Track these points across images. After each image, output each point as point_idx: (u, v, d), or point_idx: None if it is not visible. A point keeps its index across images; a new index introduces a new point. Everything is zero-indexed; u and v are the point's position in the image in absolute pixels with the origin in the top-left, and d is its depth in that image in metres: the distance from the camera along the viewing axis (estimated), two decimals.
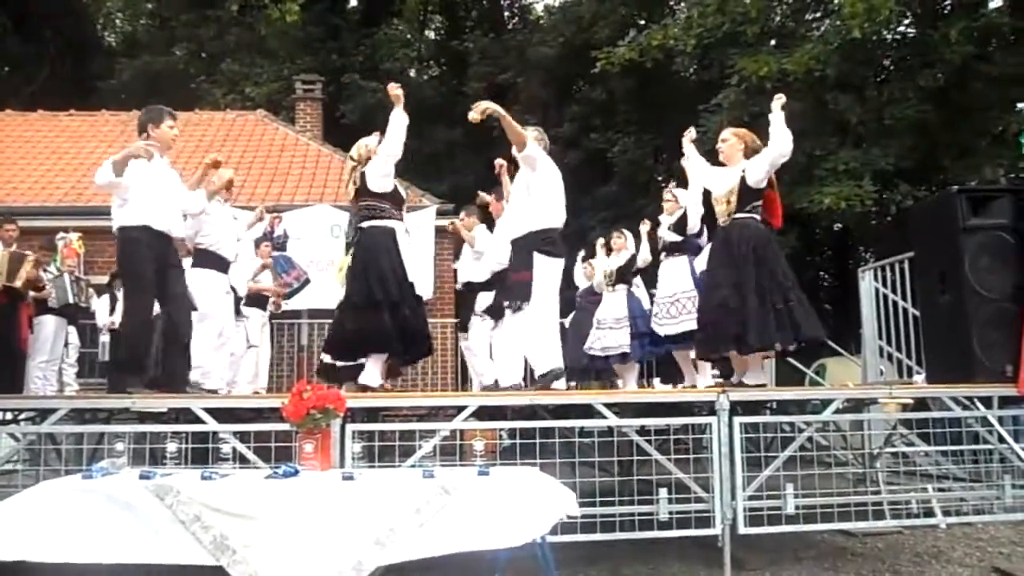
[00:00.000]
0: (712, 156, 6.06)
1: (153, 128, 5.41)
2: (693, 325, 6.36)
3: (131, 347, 5.29)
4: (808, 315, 5.30)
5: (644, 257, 7.63)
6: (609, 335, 7.79)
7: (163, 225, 5.27)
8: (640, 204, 15.28)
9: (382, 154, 5.43)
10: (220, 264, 6.30)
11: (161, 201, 5.27)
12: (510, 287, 5.56)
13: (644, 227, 7.60)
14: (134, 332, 5.29)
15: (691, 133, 6.32)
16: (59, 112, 15.24)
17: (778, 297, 5.21)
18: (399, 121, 5.33)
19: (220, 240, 6.22)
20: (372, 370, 5.49)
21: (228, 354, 6.68)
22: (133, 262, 5.24)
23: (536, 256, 5.38)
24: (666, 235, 7.03)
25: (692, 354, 6.58)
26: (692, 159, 6.20)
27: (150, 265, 5.20)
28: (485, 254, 7.21)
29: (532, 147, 5.38)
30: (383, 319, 5.29)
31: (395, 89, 5.36)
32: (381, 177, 5.48)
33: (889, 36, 12.88)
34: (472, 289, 7.51)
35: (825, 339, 5.66)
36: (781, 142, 5.31)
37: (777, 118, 5.36)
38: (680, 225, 6.91)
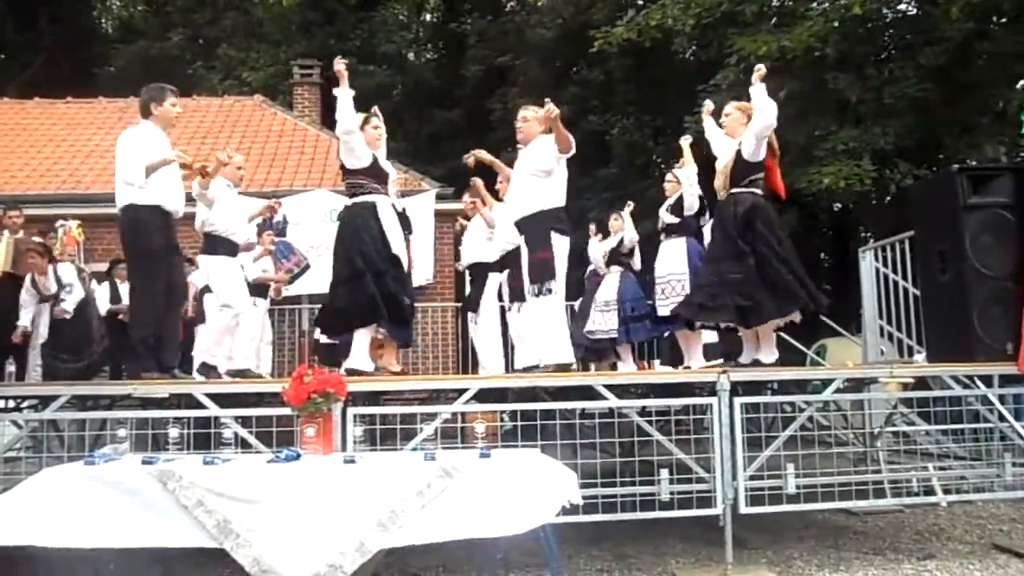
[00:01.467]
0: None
1: (156, 107, 5.43)
2: None
3: (140, 327, 5.29)
4: (806, 285, 5.32)
5: (630, 237, 7.68)
6: (599, 317, 7.86)
7: (173, 206, 5.31)
8: (640, 186, 15.24)
9: (337, 133, 5.45)
10: (231, 249, 6.26)
11: (171, 181, 5.28)
12: (533, 267, 5.52)
13: (627, 209, 7.67)
14: (143, 311, 5.31)
15: (709, 105, 6.33)
16: (56, 99, 15.16)
17: (776, 269, 5.22)
18: (342, 98, 5.34)
19: (230, 225, 6.19)
20: (359, 351, 5.46)
21: (251, 338, 6.67)
22: (143, 241, 5.26)
23: (553, 235, 5.40)
24: (664, 216, 7.03)
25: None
26: (711, 132, 6.18)
27: (160, 243, 5.23)
28: (497, 230, 7.15)
29: (548, 162, 5.46)
30: (368, 288, 5.26)
31: (338, 64, 5.41)
32: (346, 154, 5.47)
33: (889, 14, 12.80)
34: (482, 269, 7.46)
35: (824, 310, 5.66)
36: (764, 114, 5.33)
37: (758, 90, 5.37)
38: (678, 206, 6.91)
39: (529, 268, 5.49)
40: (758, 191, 5.48)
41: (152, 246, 5.24)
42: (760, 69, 5.45)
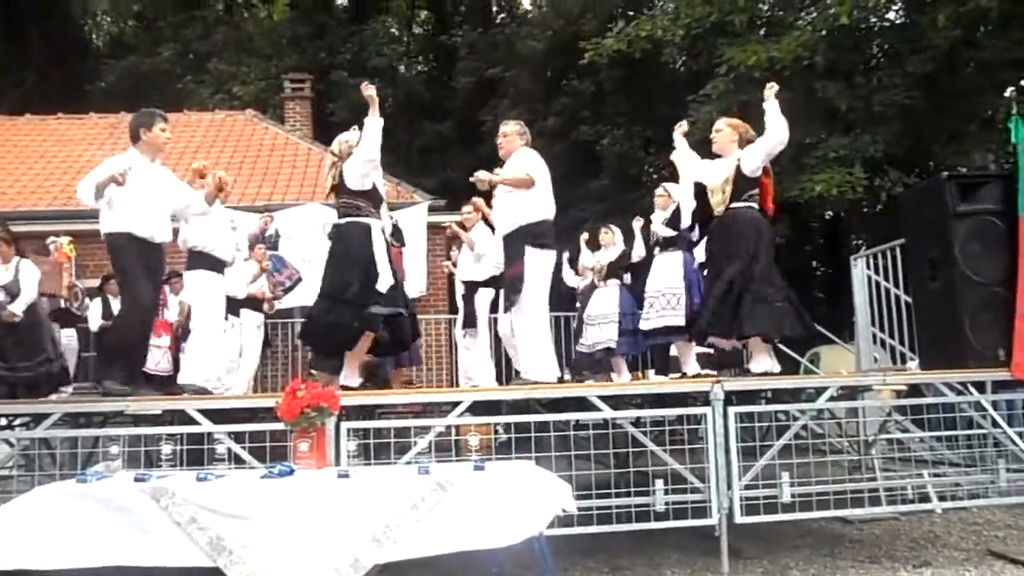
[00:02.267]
0: (702, 147, 6.06)
1: (145, 132, 5.44)
2: (675, 321, 6.49)
3: (121, 341, 5.41)
4: (794, 311, 5.38)
5: (639, 253, 7.67)
6: (594, 331, 7.85)
7: (145, 232, 5.29)
8: (631, 197, 15.27)
9: (359, 157, 5.41)
10: (215, 265, 6.29)
11: (144, 207, 5.28)
12: (507, 283, 5.57)
13: (637, 223, 7.65)
14: (125, 327, 5.40)
15: (683, 126, 6.26)
16: (47, 116, 15.15)
17: (767, 289, 5.25)
18: (374, 125, 5.33)
19: (212, 241, 6.20)
20: (350, 371, 5.49)
21: (216, 358, 6.61)
22: (121, 264, 5.32)
23: (527, 249, 5.41)
24: (660, 230, 7.04)
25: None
26: (682, 152, 6.18)
27: (139, 266, 5.26)
28: (486, 255, 7.20)
29: (529, 167, 5.52)
30: (348, 315, 5.28)
31: (368, 90, 5.40)
32: (359, 177, 5.47)
33: (876, 23, 12.89)
34: (474, 287, 7.50)
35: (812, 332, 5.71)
36: (778, 131, 5.32)
37: (772, 106, 5.35)
38: (674, 220, 6.92)
39: (504, 284, 5.56)
40: (755, 206, 5.50)
41: (128, 267, 5.29)
42: (773, 87, 5.42)
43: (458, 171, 17.34)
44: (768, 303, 5.25)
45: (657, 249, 7.05)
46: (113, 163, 5.27)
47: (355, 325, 5.28)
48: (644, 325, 6.91)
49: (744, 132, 5.58)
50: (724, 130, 5.68)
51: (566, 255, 8.82)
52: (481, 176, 5.72)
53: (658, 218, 7.12)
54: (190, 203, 5.76)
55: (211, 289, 6.27)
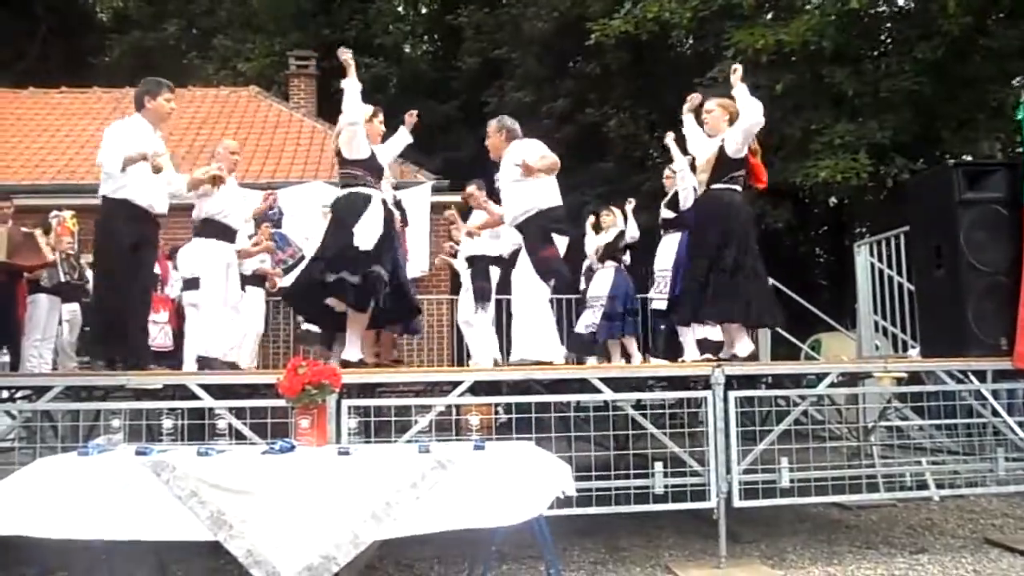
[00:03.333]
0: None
1: (150, 100, 5.41)
2: (660, 304, 6.70)
3: (102, 323, 5.37)
4: (764, 297, 5.46)
5: (632, 234, 7.70)
6: (589, 313, 7.93)
7: (144, 200, 5.26)
8: (636, 179, 15.23)
9: (342, 121, 5.43)
10: (224, 233, 6.14)
11: (147, 176, 5.23)
12: (540, 265, 5.54)
13: (629, 205, 7.69)
14: (103, 310, 5.36)
15: (693, 100, 6.11)
16: (50, 89, 15.11)
17: (737, 276, 5.29)
18: (350, 88, 5.35)
19: (224, 208, 6.09)
20: (352, 345, 5.46)
21: (234, 326, 6.58)
22: (106, 237, 5.29)
23: (554, 236, 5.52)
24: (663, 211, 7.05)
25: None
26: (688, 129, 6.14)
27: (125, 240, 5.22)
28: (504, 230, 7.16)
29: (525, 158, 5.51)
30: (317, 273, 5.28)
31: (344, 54, 5.42)
32: (347, 144, 5.45)
33: (885, 8, 12.80)
34: (483, 262, 7.45)
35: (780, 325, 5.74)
36: (751, 112, 5.33)
37: (740, 90, 5.37)
38: (674, 201, 6.92)
39: (538, 266, 5.55)
40: (738, 188, 5.51)
41: (112, 242, 5.25)
42: (736, 70, 5.45)
43: (462, 151, 17.32)
44: (735, 289, 5.29)
45: (663, 230, 7.07)
46: (130, 134, 5.24)
47: (325, 283, 5.22)
48: (656, 304, 7.04)
49: (735, 112, 5.56)
50: (715, 110, 5.66)
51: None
52: (463, 235, 5.83)
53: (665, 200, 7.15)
54: (171, 180, 5.68)
55: (219, 257, 6.11)
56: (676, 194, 6.88)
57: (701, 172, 5.63)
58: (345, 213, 5.40)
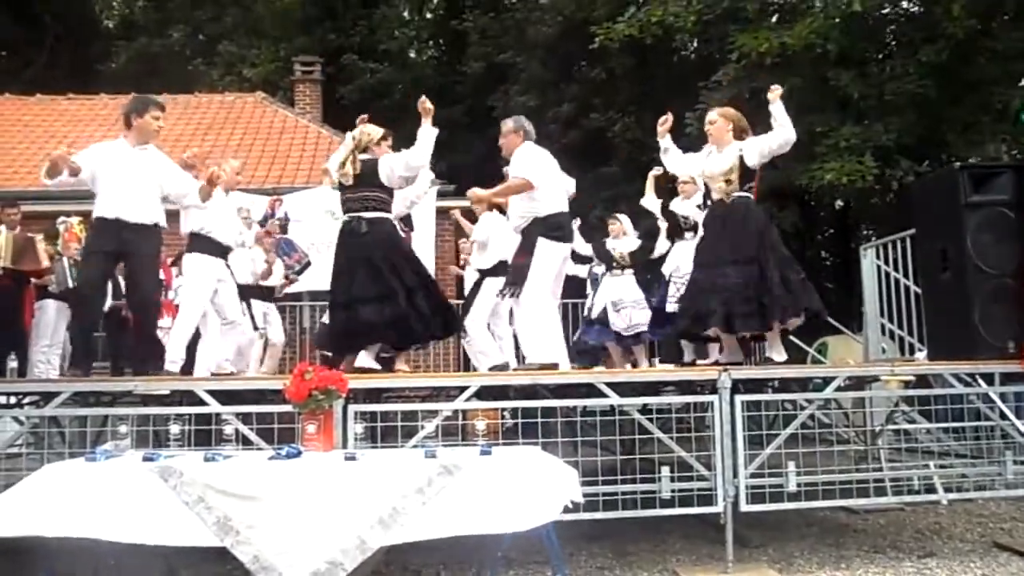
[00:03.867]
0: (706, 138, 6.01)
1: (136, 118, 5.44)
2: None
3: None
4: (810, 291, 5.37)
5: (660, 249, 7.73)
6: (623, 315, 7.97)
7: (112, 213, 5.30)
8: (642, 184, 15.17)
9: (406, 160, 5.44)
10: (214, 248, 6.11)
11: (116, 190, 5.30)
12: (510, 271, 5.58)
13: (655, 172, 7.61)
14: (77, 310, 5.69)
15: (667, 121, 5.99)
16: (57, 96, 15.16)
17: (790, 273, 5.26)
18: (429, 134, 5.48)
19: (210, 223, 6.05)
20: (367, 353, 5.49)
21: (233, 341, 6.54)
22: (86, 245, 5.60)
23: (540, 241, 5.44)
24: (693, 214, 7.05)
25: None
26: (670, 153, 6.02)
27: (95, 256, 5.41)
28: (490, 242, 7.19)
29: (527, 169, 5.54)
30: (400, 309, 5.26)
31: (425, 103, 5.52)
32: (397, 177, 5.48)
33: (889, 10, 12.79)
34: (481, 275, 7.49)
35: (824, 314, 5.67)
36: (786, 132, 5.32)
37: (778, 108, 5.32)
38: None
39: (509, 271, 5.65)
40: (752, 196, 5.52)
41: (88, 247, 5.53)
42: (777, 89, 5.39)
43: (467, 156, 17.32)
44: (807, 287, 5.33)
45: (689, 234, 7.08)
46: (84, 152, 5.36)
47: (406, 316, 5.26)
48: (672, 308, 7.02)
49: (738, 121, 5.56)
50: (718, 121, 5.62)
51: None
52: (474, 195, 5.94)
53: (680, 206, 7.15)
54: (186, 192, 5.69)
55: (207, 272, 6.06)
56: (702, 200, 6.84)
57: (721, 179, 5.54)
58: (392, 243, 5.49)
